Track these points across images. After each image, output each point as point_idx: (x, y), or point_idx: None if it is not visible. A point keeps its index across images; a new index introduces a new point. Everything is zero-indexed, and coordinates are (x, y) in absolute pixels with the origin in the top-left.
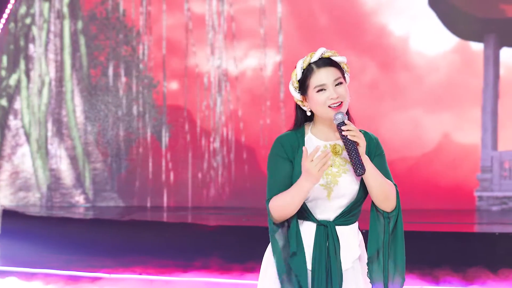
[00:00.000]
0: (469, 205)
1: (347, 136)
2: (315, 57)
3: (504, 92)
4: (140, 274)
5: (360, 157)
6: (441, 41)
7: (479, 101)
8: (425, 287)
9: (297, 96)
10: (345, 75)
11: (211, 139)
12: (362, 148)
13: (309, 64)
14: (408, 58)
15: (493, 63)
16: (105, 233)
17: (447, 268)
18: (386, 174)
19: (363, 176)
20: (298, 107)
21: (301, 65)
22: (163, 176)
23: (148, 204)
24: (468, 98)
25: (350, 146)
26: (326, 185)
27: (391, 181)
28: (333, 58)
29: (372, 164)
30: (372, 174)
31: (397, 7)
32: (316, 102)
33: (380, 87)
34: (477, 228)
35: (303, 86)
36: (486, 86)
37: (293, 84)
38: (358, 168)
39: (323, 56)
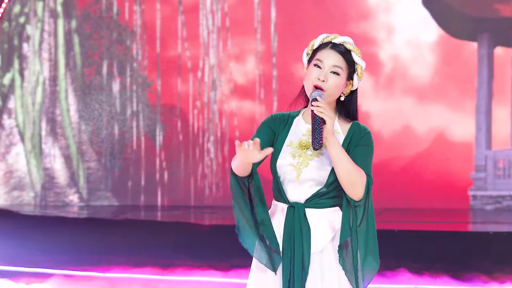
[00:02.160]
0: (463, 204)
1: (313, 111)
2: (337, 40)
3: (498, 91)
4: (134, 273)
5: (321, 134)
6: (429, 35)
7: (473, 100)
8: (419, 286)
9: (305, 62)
10: (354, 76)
11: (205, 138)
12: (329, 126)
13: (330, 42)
14: (398, 52)
15: (487, 62)
16: (99, 232)
17: (441, 267)
18: (362, 164)
19: (331, 158)
20: (302, 91)
21: (323, 37)
22: (157, 175)
23: (142, 203)
24: (463, 97)
25: (314, 121)
26: (296, 165)
27: (368, 173)
28: (352, 53)
29: (342, 148)
30: (337, 157)
31: None
32: (308, 75)
33: (366, 84)
34: (471, 227)
35: (313, 56)
36: (480, 85)
37: (307, 51)
38: (314, 143)
39: (344, 44)
